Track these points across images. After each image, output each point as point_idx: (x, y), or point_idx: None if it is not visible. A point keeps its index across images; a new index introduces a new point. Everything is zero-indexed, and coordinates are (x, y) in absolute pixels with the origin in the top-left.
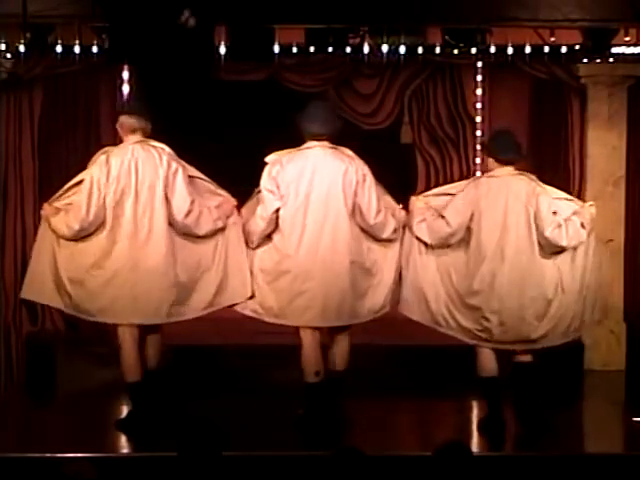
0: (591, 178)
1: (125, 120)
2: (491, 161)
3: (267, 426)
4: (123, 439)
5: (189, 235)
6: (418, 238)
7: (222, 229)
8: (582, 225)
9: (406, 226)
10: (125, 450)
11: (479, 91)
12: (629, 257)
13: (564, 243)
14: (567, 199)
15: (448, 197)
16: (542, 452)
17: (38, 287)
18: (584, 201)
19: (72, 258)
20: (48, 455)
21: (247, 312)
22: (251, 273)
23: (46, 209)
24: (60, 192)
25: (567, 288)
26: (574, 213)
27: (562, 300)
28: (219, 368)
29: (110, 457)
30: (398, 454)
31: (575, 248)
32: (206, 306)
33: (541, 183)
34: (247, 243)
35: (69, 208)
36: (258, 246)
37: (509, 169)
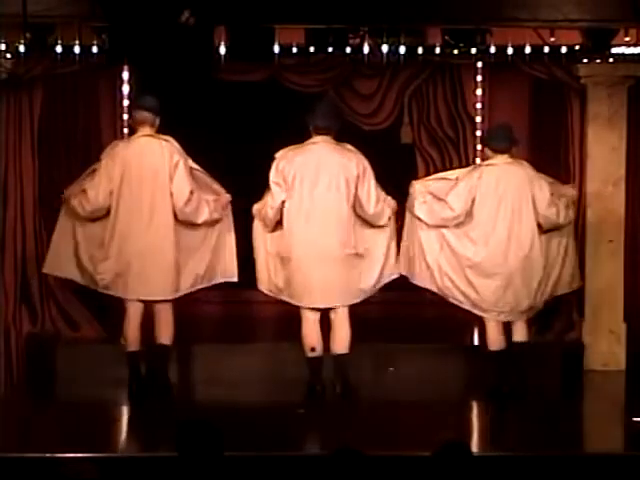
0: (591, 178)
1: (137, 114)
2: (489, 152)
3: (267, 426)
4: (123, 439)
5: (187, 222)
6: (419, 218)
7: (217, 220)
8: (567, 205)
9: (407, 206)
10: (125, 450)
11: (479, 91)
12: (629, 257)
13: (561, 220)
14: (551, 182)
15: (446, 181)
16: (542, 452)
17: (59, 262)
18: (585, 201)
19: (89, 236)
20: (48, 455)
21: (264, 290)
22: (269, 255)
23: (65, 192)
24: (79, 179)
25: (552, 261)
26: (561, 195)
27: (546, 270)
28: (220, 368)
29: (110, 457)
30: (398, 454)
31: (563, 226)
32: (193, 283)
33: (533, 169)
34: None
35: (84, 191)
36: (274, 230)
37: (505, 157)
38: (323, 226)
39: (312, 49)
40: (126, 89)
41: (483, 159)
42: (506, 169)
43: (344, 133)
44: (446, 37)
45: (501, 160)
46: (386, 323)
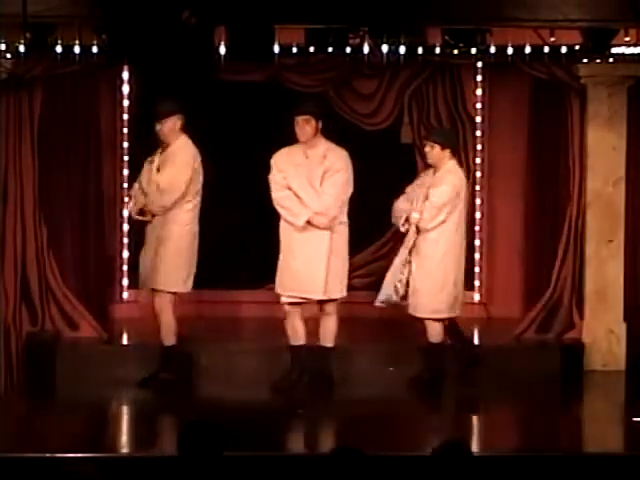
0: (591, 178)
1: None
2: (450, 154)
3: (267, 426)
4: (123, 439)
5: None
6: None
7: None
8: None
9: None
10: (125, 450)
11: (479, 91)
12: (629, 257)
13: None
14: None
15: None
16: (542, 452)
17: None
18: (585, 201)
19: None
20: (48, 455)
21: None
22: None
23: None
24: None
25: None
26: None
27: None
28: (220, 367)
29: (110, 457)
30: (398, 454)
31: None
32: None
33: None
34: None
35: None
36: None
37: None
38: None
39: (312, 49)
40: (126, 89)
41: (485, 169)
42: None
43: (344, 133)
44: (446, 37)
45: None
46: (386, 323)
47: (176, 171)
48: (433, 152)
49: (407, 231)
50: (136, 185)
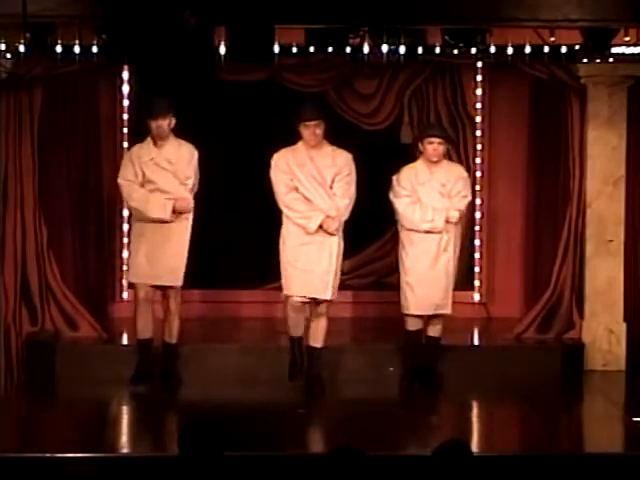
0: (591, 178)
1: None
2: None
3: (267, 426)
4: (123, 439)
5: None
6: None
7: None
8: None
9: None
10: (125, 450)
11: (479, 91)
12: (629, 257)
13: None
14: None
15: None
16: (542, 452)
17: None
18: (585, 201)
19: None
20: (48, 455)
21: None
22: None
23: None
24: None
25: None
26: None
27: None
28: (219, 367)
29: (110, 457)
30: (398, 454)
31: None
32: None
33: None
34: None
35: None
36: None
37: None
38: None
39: (312, 49)
40: (126, 89)
41: (485, 168)
42: None
43: (344, 133)
44: (446, 37)
45: None
46: (387, 322)
47: (194, 166)
48: (441, 148)
49: (440, 232)
50: (135, 186)
